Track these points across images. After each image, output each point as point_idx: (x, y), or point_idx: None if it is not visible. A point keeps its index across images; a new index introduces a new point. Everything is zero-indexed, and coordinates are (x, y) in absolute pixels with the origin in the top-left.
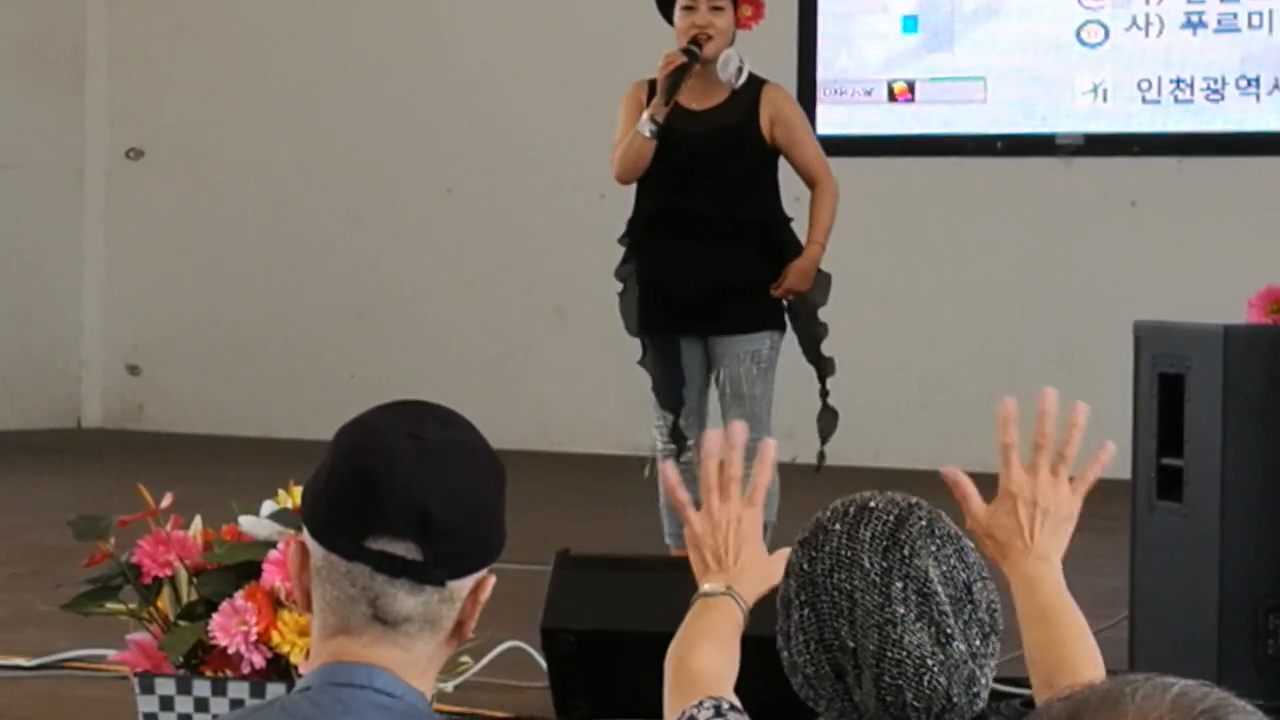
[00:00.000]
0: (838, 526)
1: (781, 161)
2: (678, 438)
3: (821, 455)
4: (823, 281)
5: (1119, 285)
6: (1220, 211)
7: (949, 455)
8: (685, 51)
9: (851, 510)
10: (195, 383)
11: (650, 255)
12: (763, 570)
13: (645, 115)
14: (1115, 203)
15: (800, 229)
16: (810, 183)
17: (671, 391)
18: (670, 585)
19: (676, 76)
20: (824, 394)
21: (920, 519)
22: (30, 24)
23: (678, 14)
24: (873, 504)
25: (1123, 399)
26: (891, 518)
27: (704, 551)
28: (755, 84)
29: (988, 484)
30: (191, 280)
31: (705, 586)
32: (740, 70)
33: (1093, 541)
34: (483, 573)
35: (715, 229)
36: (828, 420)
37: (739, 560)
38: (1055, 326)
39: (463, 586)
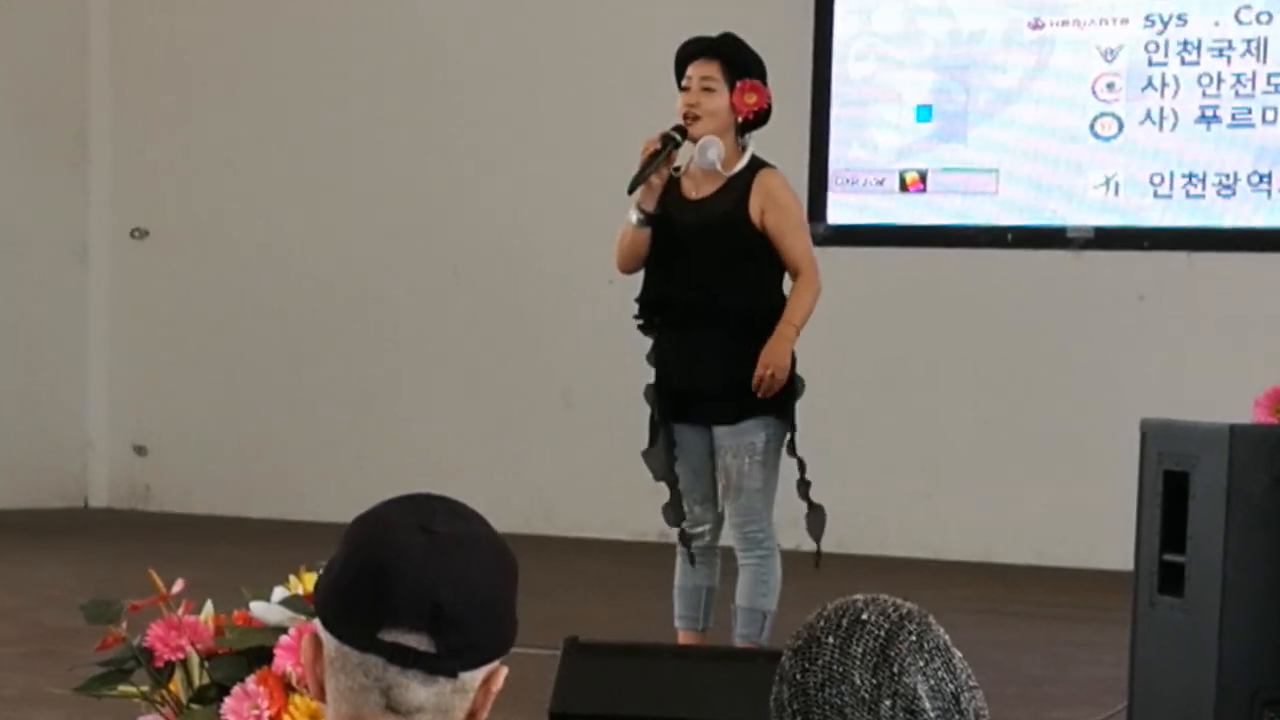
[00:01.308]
0: (831, 640)
1: None
2: (674, 518)
3: (818, 553)
4: (819, 516)
5: (1126, 379)
6: (1229, 308)
7: (954, 544)
8: (664, 136)
9: (844, 623)
10: (202, 464)
11: (656, 343)
12: None
13: (634, 204)
14: (1124, 296)
15: None
16: (794, 274)
17: (667, 479)
18: (678, 672)
19: (649, 162)
20: (806, 491)
21: (910, 633)
22: (36, 102)
23: (680, 94)
24: (865, 616)
25: (1127, 492)
26: (883, 633)
27: None
28: (753, 169)
29: (993, 574)
30: (198, 360)
31: None
32: (710, 160)
33: (1095, 632)
34: (495, 664)
35: (701, 317)
36: (816, 519)
37: None
38: (1061, 419)
39: (475, 677)
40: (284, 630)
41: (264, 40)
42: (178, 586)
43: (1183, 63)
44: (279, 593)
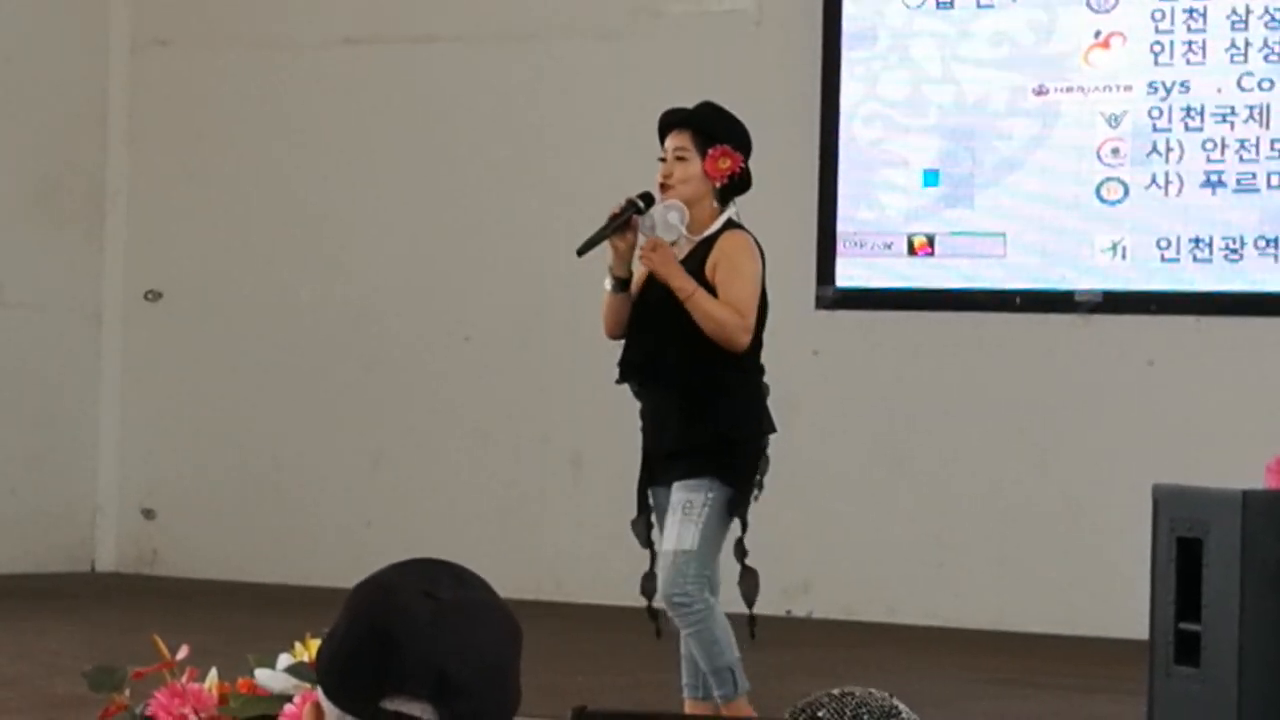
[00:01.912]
0: None
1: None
2: (649, 589)
3: (751, 620)
4: (751, 580)
5: (1136, 444)
6: (1239, 372)
7: (964, 613)
8: (628, 201)
9: (801, 718)
10: (210, 528)
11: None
12: None
13: (609, 271)
14: (1133, 361)
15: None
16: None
17: (648, 548)
18: None
19: (607, 227)
20: (741, 555)
21: None
22: (50, 165)
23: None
24: (821, 714)
25: (1140, 560)
26: None
27: None
28: (723, 231)
29: (1005, 643)
30: (208, 424)
31: None
32: (671, 226)
33: (1110, 704)
34: None
35: (657, 378)
36: (749, 583)
37: None
38: (1071, 485)
39: None
40: (288, 698)
41: (278, 105)
42: (182, 653)
43: (1186, 128)
44: (284, 660)
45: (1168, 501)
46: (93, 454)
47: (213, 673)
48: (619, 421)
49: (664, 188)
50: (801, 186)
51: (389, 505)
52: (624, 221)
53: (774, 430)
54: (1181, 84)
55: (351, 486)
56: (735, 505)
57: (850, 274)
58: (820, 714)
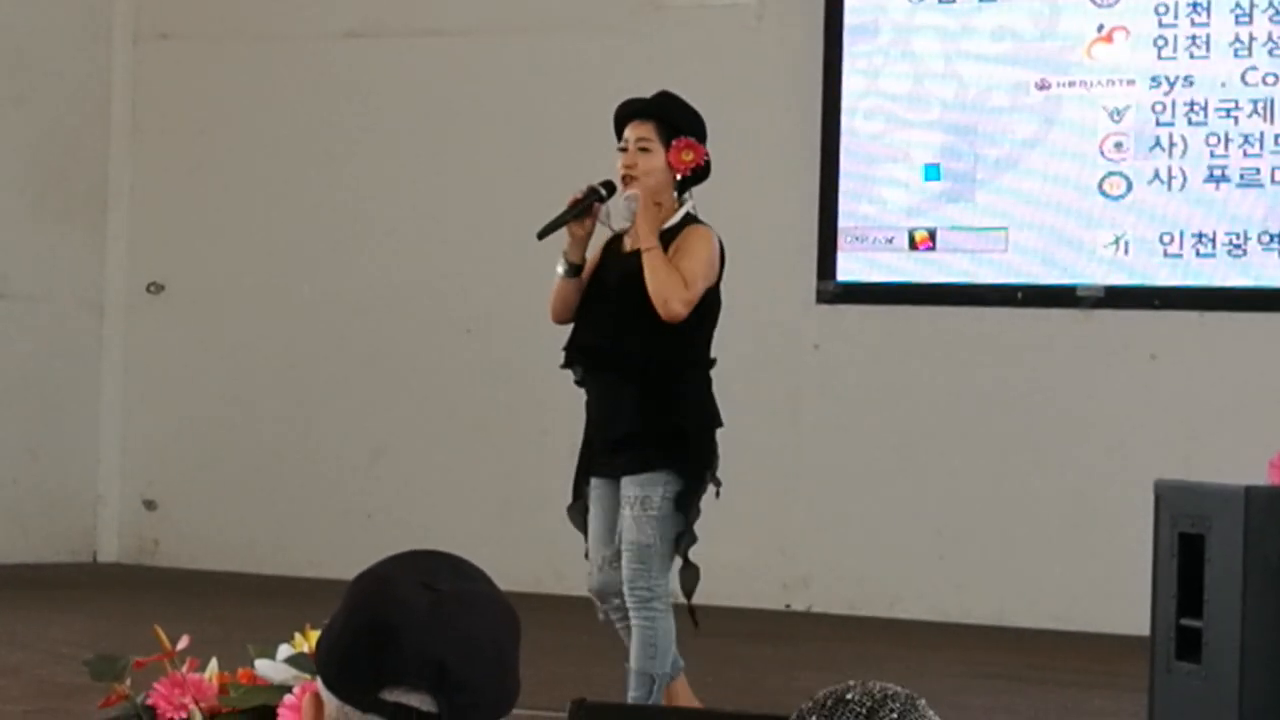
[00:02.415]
0: (814, 718)
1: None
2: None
3: (692, 610)
4: (692, 574)
5: (1138, 440)
6: (1242, 367)
7: (966, 606)
8: (590, 189)
9: (829, 703)
10: (212, 519)
11: (585, 392)
12: None
13: (562, 255)
14: (1135, 355)
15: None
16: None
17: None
18: None
19: (568, 212)
20: (684, 547)
21: (892, 711)
22: (52, 158)
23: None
24: (849, 696)
25: (1141, 555)
26: (864, 710)
27: None
28: (685, 224)
29: (1007, 638)
30: (209, 415)
31: None
32: (629, 216)
33: (1110, 700)
34: None
35: (607, 363)
36: (689, 577)
37: None
38: (1073, 479)
39: None
40: (288, 689)
41: (280, 98)
42: (182, 643)
43: (1190, 123)
44: (284, 650)
45: (1170, 497)
46: (95, 445)
47: (213, 663)
48: None
49: (627, 178)
50: (802, 181)
51: (389, 497)
52: (585, 208)
53: (721, 425)
54: (1185, 78)
55: (352, 478)
56: (685, 499)
57: (851, 269)
58: (849, 695)
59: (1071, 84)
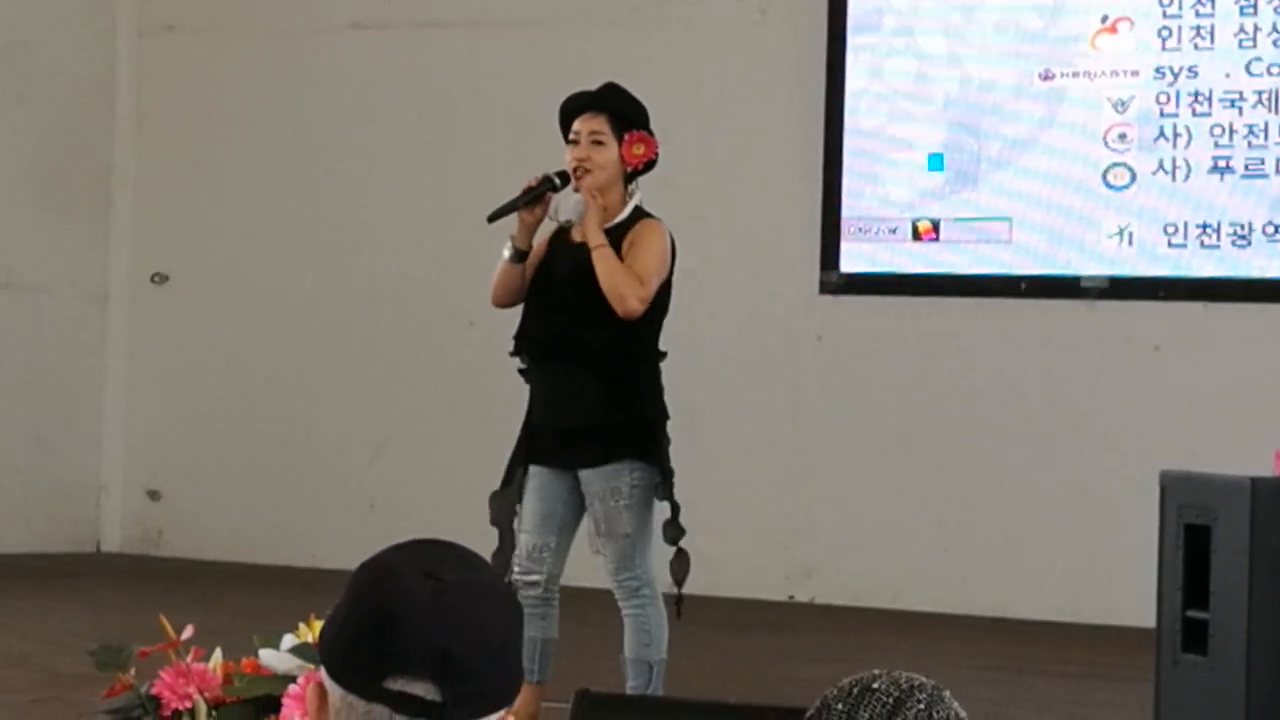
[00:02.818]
0: (840, 706)
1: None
2: (502, 566)
3: (679, 600)
4: (683, 562)
5: (1142, 430)
6: (1246, 358)
7: (969, 598)
8: (544, 178)
9: (855, 691)
10: (215, 509)
11: (529, 383)
12: None
13: (510, 240)
14: (1140, 347)
15: (673, 365)
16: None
17: (502, 525)
18: None
19: (521, 197)
20: (674, 536)
21: (919, 701)
22: (57, 149)
23: (568, 147)
24: (875, 685)
25: (1145, 546)
26: (891, 700)
27: None
28: (636, 218)
29: (1010, 630)
30: (213, 406)
31: None
32: (576, 212)
33: (1116, 692)
34: (501, 713)
35: (562, 354)
36: (680, 565)
37: None
38: (1077, 471)
39: None
40: (292, 679)
41: (284, 90)
42: (187, 633)
43: (1194, 114)
44: (288, 640)
45: (1175, 488)
46: (98, 435)
47: (217, 653)
48: None
49: (579, 171)
50: (806, 172)
51: (392, 488)
52: (538, 196)
53: (669, 417)
54: (1189, 69)
55: (355, 469)
56: (660, 488)
57: (855, 259)
58: (875, 685)
59: (1075, 75)
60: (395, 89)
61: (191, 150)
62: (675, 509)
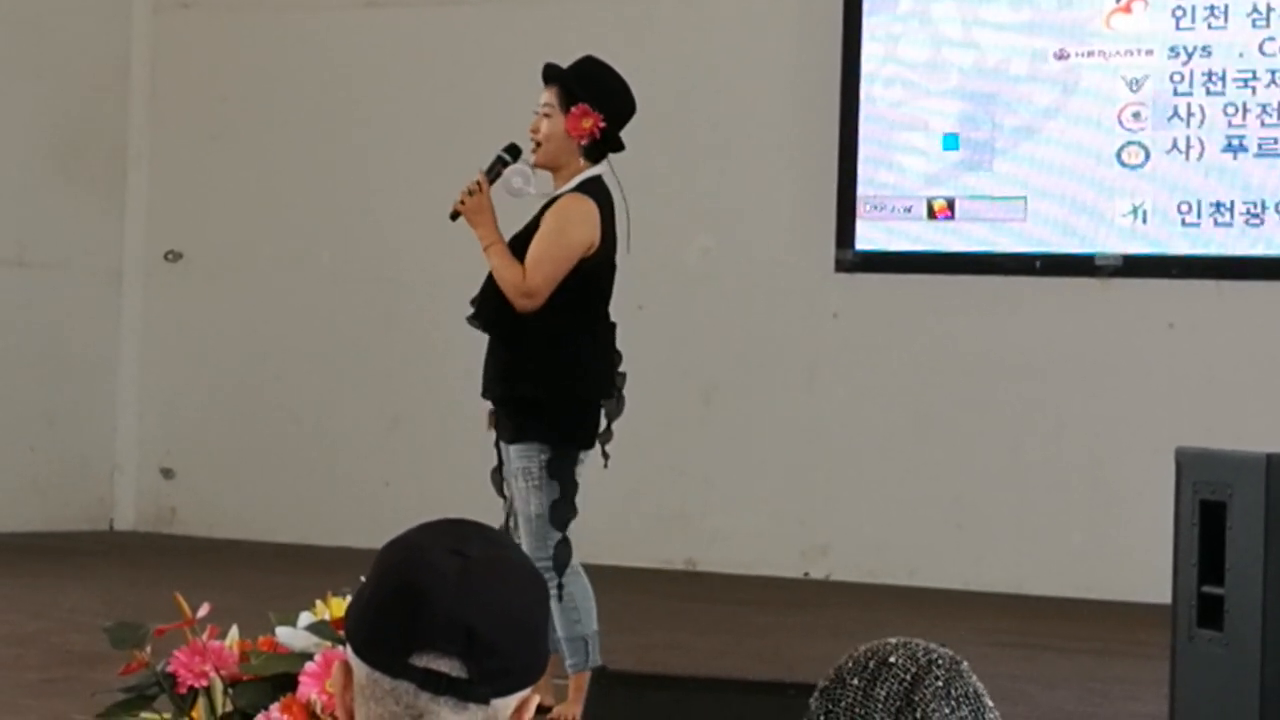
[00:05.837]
0: (855, 681)
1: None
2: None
3: (560, 589)
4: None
5: (1156, 408)
6: (1260, 335)
7: (984, 575)
8: (495, 157)
9: (871, 664)
10: (229, 487)
11: None
12: None
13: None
14: (1153, 324)
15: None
16: None
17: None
18: (709, 704)
19: (483, 178)
20: (564, 521)
21: (937, 678)
22: (72, 126)
23: None
24: (892, 659)
25: (1160, 524)
26: (909, 676)
27: None
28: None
29: (1026, 606)
30: (227, 384)
31: None
32: (515, 188)
33: (1131, 667)
34: (527, 691)
35: (483, 324)
36: (561, 552)
37: None
38: (1092, 448)
39: (507, 705)
40: (309, 657)
41: (299, 67)
42: (203, 611)
43: (1208, 93)
44: (305, 618)
45: (1191, 464)
46: (112, 413)
47: (234, 630)
48: (637, 383)
49: (534, 143)
50: (821, 150)
51: (407, 465)
52: (496, 175)
53: (604, 395)
54: (1203, 48)
55: (370, 446)
56: (557, 467)
57: (870, 237)
58: (892, 659)
59: (1090, 54)
60: (411, 65)
61: (206, 128)
62: (570, 488)
